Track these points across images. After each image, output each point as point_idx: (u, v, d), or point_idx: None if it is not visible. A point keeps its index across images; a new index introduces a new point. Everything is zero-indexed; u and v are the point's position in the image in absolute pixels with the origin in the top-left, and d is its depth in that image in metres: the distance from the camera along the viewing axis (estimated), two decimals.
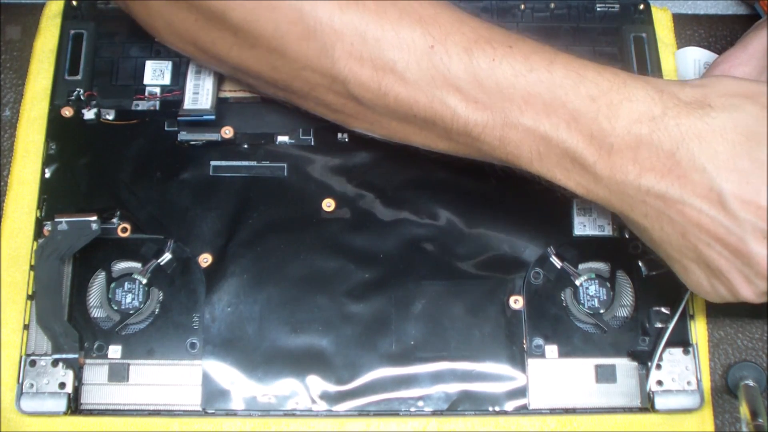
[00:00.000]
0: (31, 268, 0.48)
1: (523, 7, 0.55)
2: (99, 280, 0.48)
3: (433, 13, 0.40)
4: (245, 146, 0.51)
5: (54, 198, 0.49)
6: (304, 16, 0.40)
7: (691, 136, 0.38)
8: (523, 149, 0.41)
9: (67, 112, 0.51)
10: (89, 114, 0.51)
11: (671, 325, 0.47)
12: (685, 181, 0.38)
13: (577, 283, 0.49)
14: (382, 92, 0.41)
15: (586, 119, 0.39)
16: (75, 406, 0.45)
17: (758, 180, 0.37)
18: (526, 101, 0.39)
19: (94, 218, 0.47)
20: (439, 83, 0.40)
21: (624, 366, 0.47)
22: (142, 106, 0.52)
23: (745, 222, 0.37)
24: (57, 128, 0.51)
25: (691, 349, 0.48)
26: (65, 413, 0.45)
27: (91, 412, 0.46)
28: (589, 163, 0.39)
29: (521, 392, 0.47)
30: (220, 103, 0.51)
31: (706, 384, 0.48)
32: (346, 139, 0.51)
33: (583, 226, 0.50)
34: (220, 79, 0.52)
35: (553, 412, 0.47)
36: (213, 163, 0.50)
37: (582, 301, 0.48)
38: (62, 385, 0.45)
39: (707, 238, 0.38)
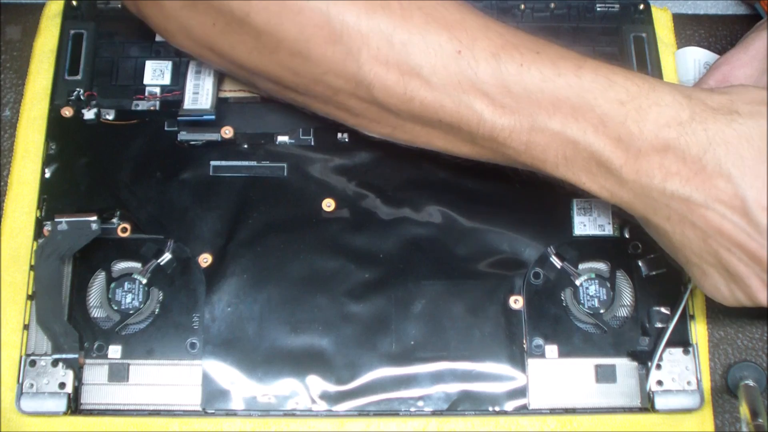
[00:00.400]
0: (31, 268, 0.48)
1: (523, 7, 0.55)
2: (99, 280, 0.48)
3: (459, 18, 0.40)
4: (245, 146, 0.51)
5: (54, 198, 0.49)
6: (331, 19, 0.39)
7: (718, 141, 0.38)
8: (549, 153, 0.41)
9: (67, 112, 0.51)
10: (89, 114, 0.51)
11: (671, 325, 0.47)
12: (710, 185, 0.38)
13: (577, 283, 0.49)
14: (407, 97, 0.41)
15: (614, 123, 0.39)
16: (75, 406, 0.45)
17: None
18: (554, 105, 0.39)
19: (94, 218, 0.47)
20: (465, 88, 0.40)
21: (624, 366, 0.47)
22: (142, 106, 0.52)
23: (767, 229, 0.37)
24: (57, 128, 0.51)
25: (691, 349, 0.48)
26: (65, 413, 0.45)
27: (91, 412, 0.46)
28: (615, 166, 0.39)
29: (521, 392, 0.47)
30: (220, 103, 0.51)
31: (706, 384, 0.48)
32: (346, 139, 0.51)
33: (583, 226, 0.50)
34: (220, 79, 0.52)
35: (553, 412, 0.47)
36: (213, 163, 0.50)
37: (582, 301, 0.48)
38: (62, 385, 0.45)
39: (728, 244, 0.39)
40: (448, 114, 0.41)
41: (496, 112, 0.40)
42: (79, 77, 0.52)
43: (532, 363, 0.47)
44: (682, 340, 0.48)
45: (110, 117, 0.51)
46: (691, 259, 0.41)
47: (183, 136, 0.50)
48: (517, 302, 0.48)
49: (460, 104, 0.40)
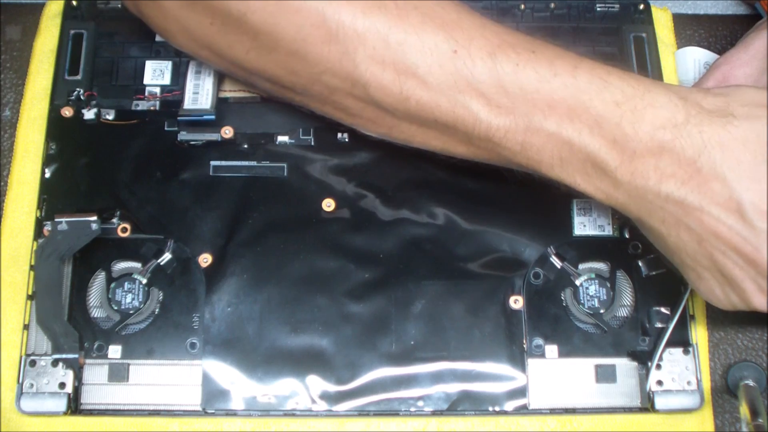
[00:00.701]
0: (31, 268, 0.48)
1: (523, 7, 0.55)
2: (99, 280, 0.48)
3: (455, 18, 0.40)
4: (245, 146, 0.51)
5: (54, 198, 0.49)
6: (327, 19, 0.39)
7: (713, 144, 0.38)
8: (545, 154, 0.41)
9: (67, 112, 0.51)
10: (89, 114, 0.51)
11: (671, 325, 0.47)
12: (705, 188, 0.38)
13: (577, 283, 0.49)
14: (403, 96, 0.41)
15: (609, 124, 0.39)
16: (75, 406, 0.45)
17: None
18: (549, 106, 0.39)
19: (94, 218, 0.47)
20: (461, 87, 0.40)
21: (624, 366, 0.47)
22: (142, 106, 0.52)
23: (763, 232, 0.37)
24: (57, 128, 0.51)
25: (691, 349, 0.48)
26: (65, 413, 0.45)
27: (91, 412, 0.46)
28: (610, 168, 0.39)
29: (521, 392, 0.47)
30: (220, 103, 0.51)
31: (706, 384, 0.48)
32: (346, 139, 0.51)
33: (583, 226, 0.50)
34: (220, 79, 0.52)
35: (553, 412, 0.47)
36: (213, 163, 0.50)
37: (582, 301, 0.48)
38: (62, 385, 0.45)
39: (723, 247, 0.39)
40: (444, 114, 0.41)
41: (492, 111, 0.40)
42: (79, 77, 0.52)
43: (532, 363, 0.47)
44: (682, 340, 0.48)
45: (110, 117, 0.51)
46: (686, 262, 0.41)
47: (183, 136, 0.50)
48: (517, 302, 0.48)
49: (456, 104, 0.40)
